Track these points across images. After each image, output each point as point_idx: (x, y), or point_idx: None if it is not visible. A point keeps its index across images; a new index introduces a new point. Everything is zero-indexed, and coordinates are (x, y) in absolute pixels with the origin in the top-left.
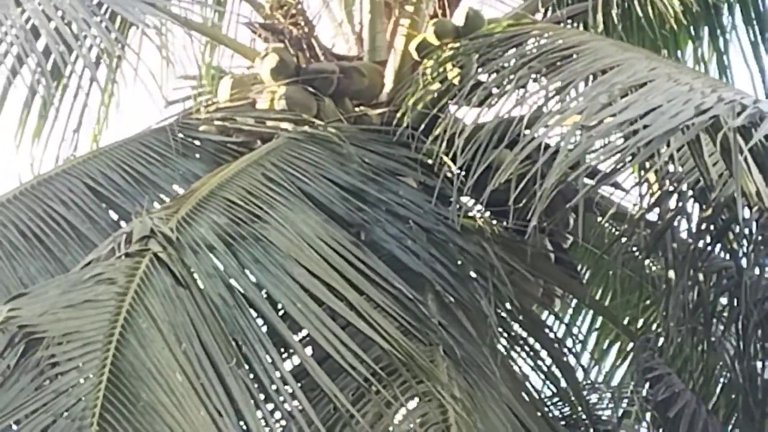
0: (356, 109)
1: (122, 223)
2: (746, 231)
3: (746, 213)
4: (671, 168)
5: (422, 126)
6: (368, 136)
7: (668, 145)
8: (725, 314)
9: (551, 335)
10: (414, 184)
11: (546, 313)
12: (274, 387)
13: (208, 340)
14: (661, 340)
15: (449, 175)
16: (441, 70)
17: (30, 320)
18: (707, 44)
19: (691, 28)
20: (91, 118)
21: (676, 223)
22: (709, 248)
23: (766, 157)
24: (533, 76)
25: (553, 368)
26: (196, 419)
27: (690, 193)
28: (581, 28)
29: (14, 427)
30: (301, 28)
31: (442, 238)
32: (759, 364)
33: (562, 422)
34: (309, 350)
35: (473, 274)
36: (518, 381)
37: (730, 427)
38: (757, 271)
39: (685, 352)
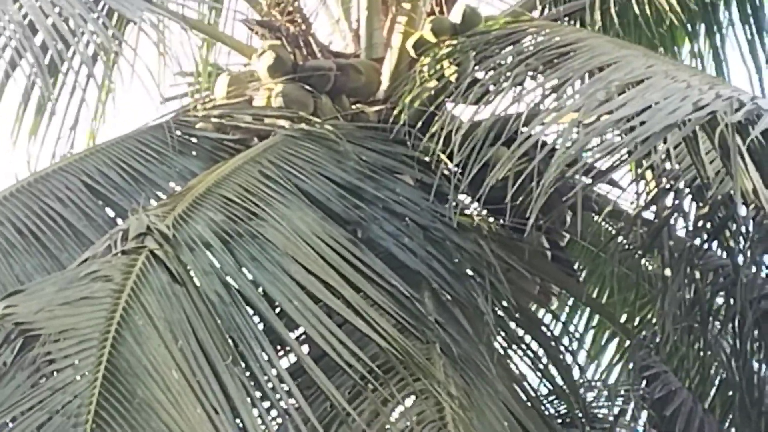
0: (353, 106)
1: (119, 221)
2: (743, 229)
3: (743, 211)
4: (668, 165)
5: (419, 123)
6: (365, 133)
7: (665, 142)
8: (722, 312)
9: (548, 333)
10: (411, 182)
11: (543, 311)
12: (270, 385)
13: (204, 338)
14: (658, 338)
15: (446, 172)
16: (438, 67)
17: (26, 317)
18: (704, 42)
19: (688, 25)
20: (88, 115)
21: (672, 221)
22: (706, 246)
23: (762, 155)
24: (530, 73)
25: (550, 366)
26: (192, 416)
27: (687, 190)
28: (578, 25)
29: (10, 424)
30: (298, 26)
31: (439, 235)
32: (755, 363)
33: (559, 420)
34: (305, 348)
35: (470, 272)
36: (515, 379)
37: (726, 425)
38: (753, 269)
39: (681, 351)
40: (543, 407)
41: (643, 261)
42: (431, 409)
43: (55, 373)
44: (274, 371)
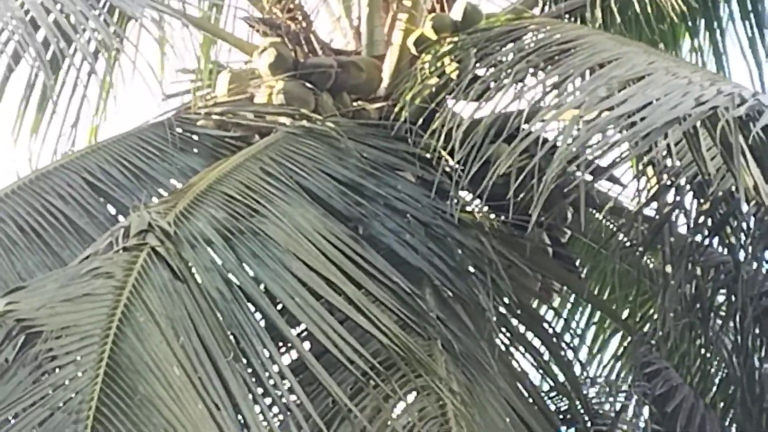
0: (354, 103)
1: (120, 218)
2: (744, 225)
3: (744, 207)
4: (669, 162)
5: (420, 120)
6: (366, 130)
7: (666, 137)
8: (723, 309)
9: (549, 329)
10: (412, 179)
11: (544, 307)
12: (271, 381)
13: (205, 334)
14: (659, 334)
15: (447, 169)
16: (439, 64)
17: (28, 314)
18: (704, 38)
19: (689, 22)
20: (89, 112)
21: (673, 218)
22: (707, 243)
23: (764, 151)
24: (531, 70)
25: (552, 363)
26: (193, 413)
27: (688, 187)
28: (579, 22)
29: (12, 420)
30: (299, 23)
31: (441, 232)
32: (756, 359)
33: (560, 416)
34: (307, 344)
35: (471, 269)
36: (516, 375)
37: (727, 421)
38: (754, 265)
39: (682, 347)
40: (544, 403)
41: (644, 258)
42: (433, 405)
43: (57, 369)
44: (275, 368)
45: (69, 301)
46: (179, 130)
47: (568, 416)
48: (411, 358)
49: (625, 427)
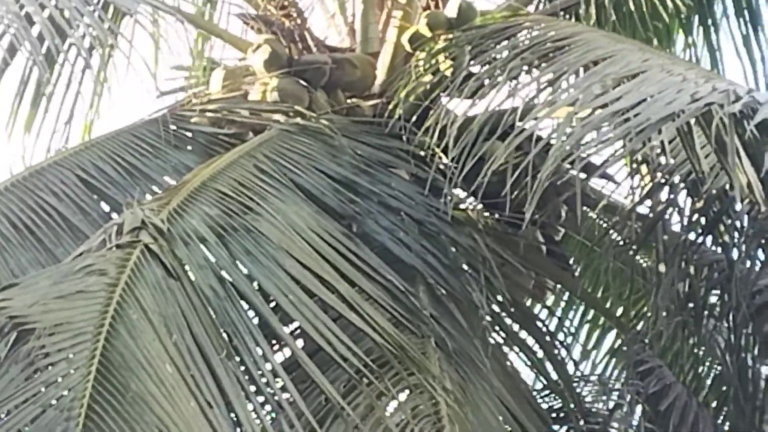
0: (348, 100)
1: (114, 215)
2: (737, 224)
3: (737, 205)
4: (663, 160)
5: (414, 118)
6: (360, 127)
7: (660, 132)
8: (716, 307)
9: (543, 328)
10: (406, 176)
11: (537, 305)
12: (264, 379)
13: (198, 332)
14: (653, 332)
15: (441, 166)
16: (433, 61)
17: (20, 311)
18: (696, 33)
19: (683, 19)
20: (83, 109)
21: (667, 216)
22: (700, 241)
23: (757, 149)
24: (525, 67)
25: (545, 361)
26: (185, 410)
27: (681, 185)
28: (573, 20)
29: (4, 417)
30: (294, 20)
31: (434, 230)
32: (749, 358)
33: (553, 415)
34: (300, 342)
35: (465, 266)
36: (510, 373)
37: (720, 419)
38: (748, 264)
39: (676, 345)
40: (538, 402)
41: (637, 256)
42: (426, 403)
43: (49, 366)
44: (268, 365)
45: (62, 298)
46: (173, 127)
47: (561, 415)
48: (404, 356)
49: (617, 425)
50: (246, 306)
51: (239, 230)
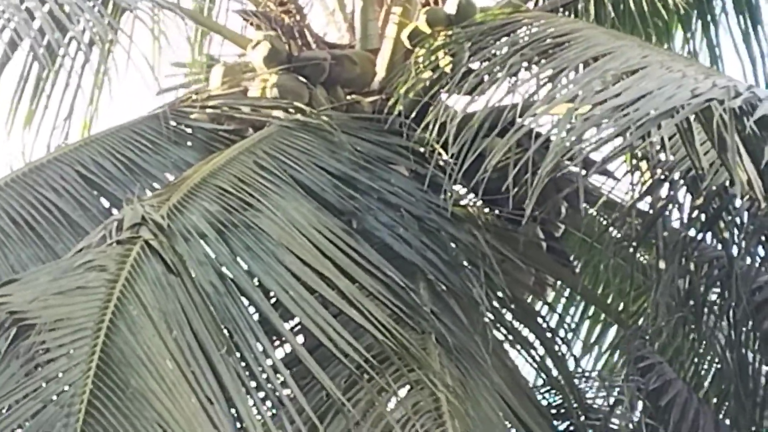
0: (348, 97)
1: (114, 211)
2: (737, 220)
3: (737, 202)
4: (663, 157)
5: (414, 114)
6: (360, 124)
7: (659, 127)
8: (717, 304)
9: (543, 324)
10: (405, 172)
11: (538, 301)
12: (265, 375)
13: (199, 328)
14: (653, 329)
15: (441, 163)
16: (433, 58)
17: (20, 306)
18: (698, 33)
19: (683, 16)
20: (83, 105)
21: (667, 212)
22: (700, 237)
23: (757, 146)
24: (525, 64)
25: (545, 357)
26: (186, 407)
27: (681, 181)
28: (573, 16)
29: (4, 412)
30: (293, 16)
31: (434, 226)
32: (750, 354)
33: (554, 411)
34: (300, 338)
35: (465, 263)
36: (510, 369)
37: (721, 416)
38: (747, 260)
39: (676, 342)
40: (538, 398)
41: (637, 252)
42: (427, 399)
43: (49, 362)
44: (269, 361)
45: (62, 294)
46: (173, 123)
47: (562, 411)
48: (404, 352)
49: (618, 421)
50: (246, 302)
51: (239, 226)
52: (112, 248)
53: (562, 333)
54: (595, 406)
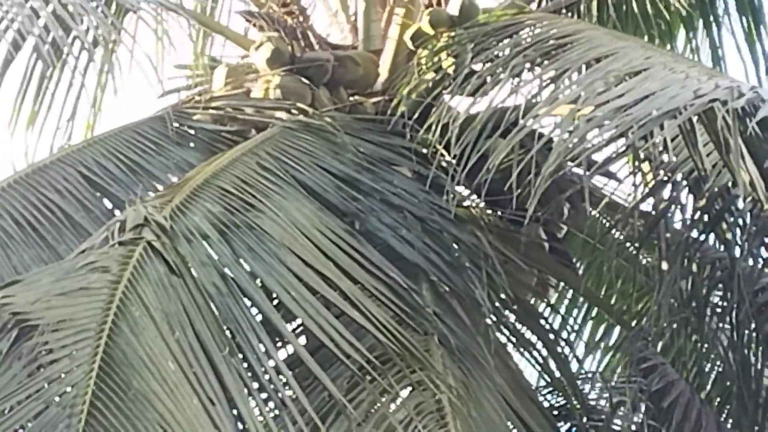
0: (351, 98)
1: (116, 212)
2: (740, 221)
3: (740, 203)
4: (665, 158)
5: (417, 115)
6: (363, 125)
7: (662, 128)
8: (719, 305)
9: (546, 325)
10: (408, 174)
11: (540, 303)
12: (267, 376)
13: (201, 329)
14: (655, 330)
15: (444, 164)
16: (436, 59)
17: (23, 307)
18: (701, 34)
19: (685, 17)
20: (86, 105)
21: (669, 213)
22: (703, 238)
23: (760, 147)
24: (528, 64)
25: (548, 358)
26: (188, 408)
27: (684, 183)
28: (576, 18)
29: (6, 413)
30: (296, 17)
31: (437, 227)
32: (752, 355)
33: (556, 412)
34: (303, 339)
35: (468, 264)
36: (512, 371)
37: (723, 417)
38: (750, 261)
39: (679, 343)
40: (541, 399)
41: (640, 253)
42: (429, 400)
43: (52, 363)
44: (271, 362)
45: (64, 294)
46: (176, 124)
47: (564, 412)
48: (407, 354)
49: (621, 422)
50: (248, 303)
51: (242, 227)
52: (114, 249)
53: (564, 334)
54: (597, 407)
